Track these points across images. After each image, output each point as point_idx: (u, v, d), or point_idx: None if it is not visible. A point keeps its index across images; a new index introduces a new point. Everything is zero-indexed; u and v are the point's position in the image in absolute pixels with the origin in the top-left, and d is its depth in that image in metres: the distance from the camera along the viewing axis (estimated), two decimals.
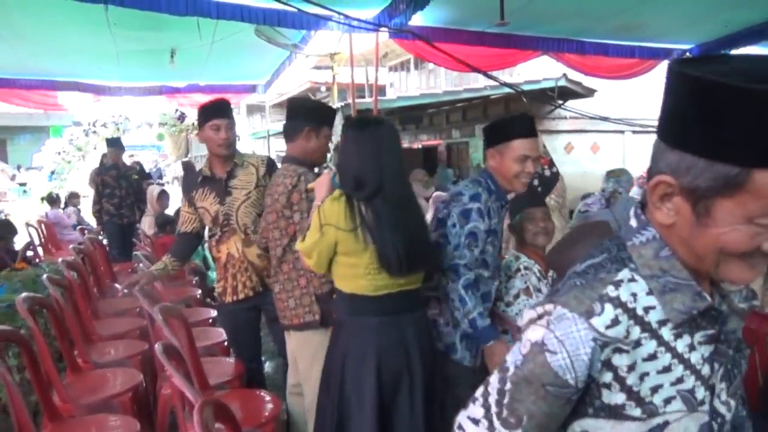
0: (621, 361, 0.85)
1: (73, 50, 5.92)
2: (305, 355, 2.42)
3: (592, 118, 8.10)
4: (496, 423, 0.89)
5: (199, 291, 4.69)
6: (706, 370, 0.89)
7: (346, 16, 4.28)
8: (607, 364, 0.85)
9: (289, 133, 2.53)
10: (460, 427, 0.94)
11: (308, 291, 2.39)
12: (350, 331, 1.99)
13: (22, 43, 5.57)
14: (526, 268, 2.56)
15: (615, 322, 0.84)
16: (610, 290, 0.86)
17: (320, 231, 1.92)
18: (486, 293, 2.25)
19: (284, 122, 2.59)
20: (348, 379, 1.94)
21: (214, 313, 3.91)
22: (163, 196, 6.53)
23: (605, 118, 8.12)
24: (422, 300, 2.15)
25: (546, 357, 0.85)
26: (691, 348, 0.88)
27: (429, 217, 2.83)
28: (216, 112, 2.84)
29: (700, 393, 0.89)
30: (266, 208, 2.52)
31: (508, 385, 0.88)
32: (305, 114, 2.53)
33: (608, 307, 0.84)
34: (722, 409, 0.92)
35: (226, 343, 3.28)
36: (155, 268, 3.00)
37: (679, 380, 0.88)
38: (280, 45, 5.58)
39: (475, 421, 0.92)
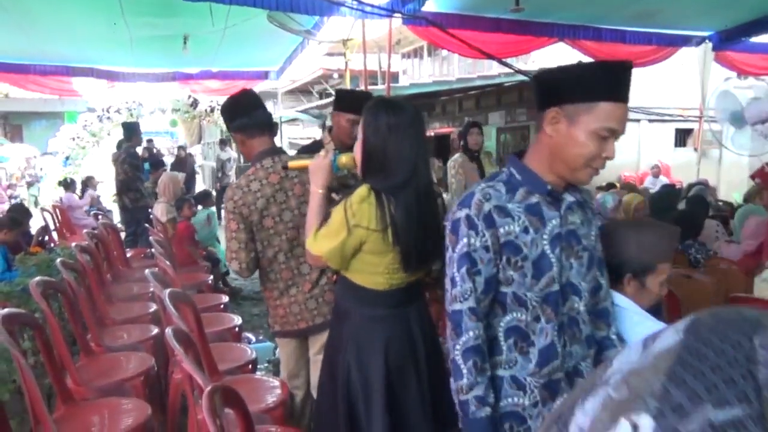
0: None
1: (88, 36, 5.94)
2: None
3: None
4: None
5: (211, 277, 4.72)
6: None
7: (360, 2, 4.25)
8: None
9: (268, 125, 2.47)
10: None
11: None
12: (358, 321, 1.97)
13: (37, 30, 5.59)
14: None
15: None
16: None
17: (347, 231, 1.80)
18: (544, 349, 1.45)
19: (251, 116, 2.42)
20: (354, 367, 1.94)
21: (225, 298, 3.94)
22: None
23: None
24: (422, 290, 2.12)
25: None
26: None
27: None
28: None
29: None
30: (292, 201, 2.35)
31: None
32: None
33: None
34: None
35: (237, 329, 3.30)
36: None
37: None
38: (293, 31, 5.55)
39: None
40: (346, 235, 1.80)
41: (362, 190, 1.83)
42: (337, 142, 2.95)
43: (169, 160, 12.85)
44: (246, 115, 2.40)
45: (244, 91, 2.60)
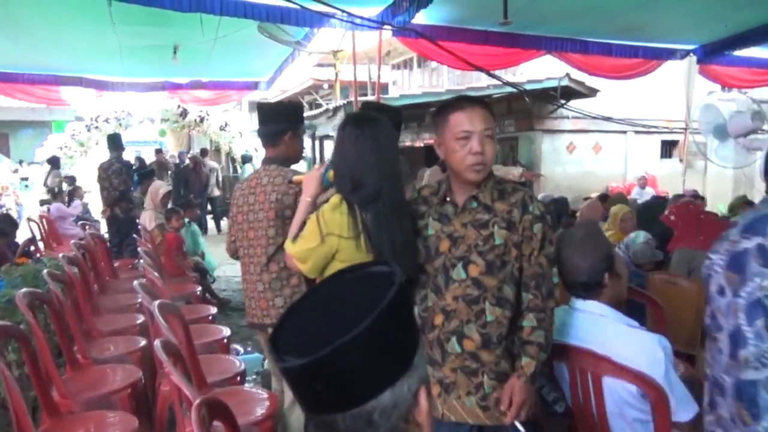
0: None
1: (76, 45, 5.92)
2: None
3: (594, 118, 8.08)
4: None
5: (200, 288, 4.69)
6: None
7: (350, 14, 4.28)
8: None
9: (271, 138, 2.60)
10: None
11: (300, 289, 2.44)
12: None
13: (25, 38, 5.57)
14: None
15: None
16: None
17: (320, 239, 1.85)
18: None
19: (262, 127, 2.63)
20: None
21: (214, 310, 3.91)
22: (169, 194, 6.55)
23: (608, 118, 8.09)
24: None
25: None
26: None
27: None
28: None
29: None
30: (256, 206, 2.53)
31: None
32: (287, 117, 2.63)
33: None
34: None
35: (225, 340, 3.27)
36: None
37: None
38: (283, 42, 5.57)
39: None
40: (320, 242, 1.86)
41: (334, 199, 1.90)
42: None
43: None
44: (259, 125, 2.68)
45: (261, 104, 2.86)
